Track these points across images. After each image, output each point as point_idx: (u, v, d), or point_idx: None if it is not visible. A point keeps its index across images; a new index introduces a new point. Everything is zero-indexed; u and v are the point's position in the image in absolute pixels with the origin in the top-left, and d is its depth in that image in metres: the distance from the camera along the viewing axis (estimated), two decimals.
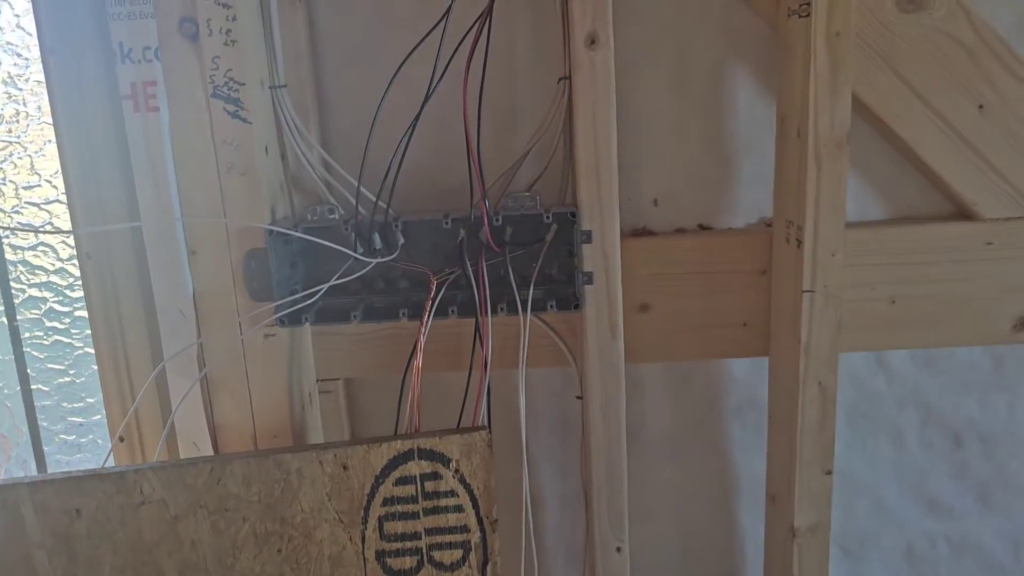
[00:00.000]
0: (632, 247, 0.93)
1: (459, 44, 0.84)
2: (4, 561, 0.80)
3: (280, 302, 0.88)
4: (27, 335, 1.07)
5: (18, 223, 1.06)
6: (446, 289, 0.89)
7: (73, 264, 1.02)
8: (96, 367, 0.94)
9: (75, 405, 1.06)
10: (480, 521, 0.86)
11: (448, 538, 0.85)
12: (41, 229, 1.06)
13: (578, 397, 0.96)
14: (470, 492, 0.86)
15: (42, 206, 1.05)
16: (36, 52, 0.96)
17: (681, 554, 1.13)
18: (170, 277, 0.88)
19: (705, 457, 1.08)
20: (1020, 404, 1.05)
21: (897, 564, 1.12)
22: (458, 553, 0.86)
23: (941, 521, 1.08)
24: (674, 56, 0.96)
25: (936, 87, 0.91)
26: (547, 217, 0.86)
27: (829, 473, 0.93)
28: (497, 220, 0.86)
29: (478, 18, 0.84)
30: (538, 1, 0.93)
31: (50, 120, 0.89)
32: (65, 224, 0.94)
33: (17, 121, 1.04)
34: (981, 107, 0.91)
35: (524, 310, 0.87)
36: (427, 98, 0.84)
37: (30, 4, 0.86)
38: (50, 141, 1.04)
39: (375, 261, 0.88)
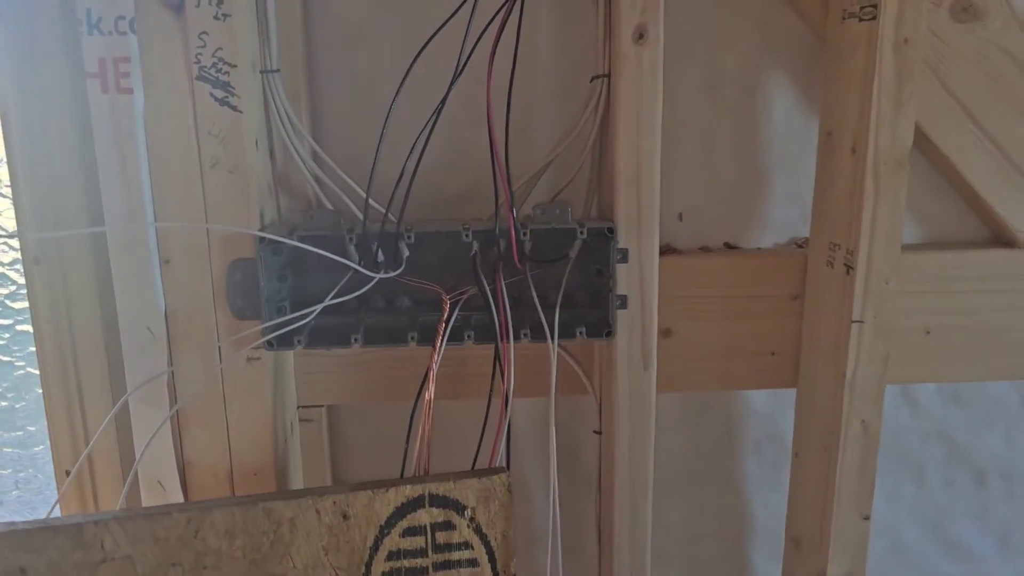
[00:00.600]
0: None
1: (484, 29, 0.73)
2: None
3: (270, 323, 0.75)
4: None
5: None
6: (457, 310, 0.78)
7: (16, 270, 0.87)
8: (40, 390, 0.80)
9: (12, 434, 0.90)
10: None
11: None
12: None
13: (596, 432, 0.87)
14: (486, 544, 0.75)
15: None
16: None
17: None
18: (137, 290, 0.75)
19: (719, 494, 1.00)
20: None
21: None
22: None
23: (960, 564, 1.03)
24: (707, 58, 0.87)
25: (986, 104, 0.85)
26: (581, 232, 0.76)
27: (867, 519, 0.86)
28: (524, 234, 0.76)
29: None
30: None
31: None
32: (9, 223, 0.80)
33: None
34: None
35: (552, 336, 0.77)
36: (451, 86, 0.74)
37: None
38: None
39: (379, 276, 0.77)
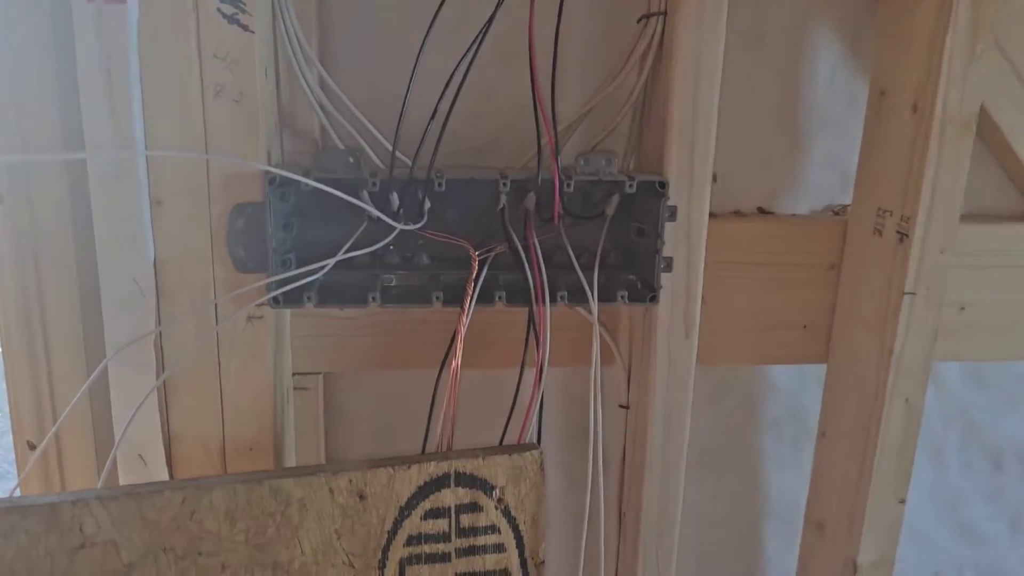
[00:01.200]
0: None
1: None
2: None
3: (277, 277, 0.66)
4: None
5: None
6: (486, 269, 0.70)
7: None
8: None
9: None
10: (523, 564, 0.69)
11: None
12: None
13: (622, 406, 0.80)
14: (514, 528, 0.68)
15: None
16: None
17: None
18: (123, 234, 0.64)
19: (733, 474, 0.95)
20: None
21: None
22: None
23: (972, 547, 1.00)
24: (753, 7, 0.80)
25: None
26: (630, 186, 0.68)
27: (903, 502, 0.81)
28: (568, 186, 0.68)
29: None
30: None
31: None
32: None
33: None
34: None
35: (592, 299, 0.69)
36: (489, 22, 0.65)
37: None
38: None
39: (401, 227, 0.68)
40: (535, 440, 0.70)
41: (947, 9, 0.69)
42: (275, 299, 0.67)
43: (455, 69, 0.66)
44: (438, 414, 0.72)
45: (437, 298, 0.69)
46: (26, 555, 0.58)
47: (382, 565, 0.65)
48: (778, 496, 0.96)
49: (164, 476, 0.70)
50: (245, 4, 0.62)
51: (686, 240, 0.71)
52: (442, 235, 0.70)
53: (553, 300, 0.69)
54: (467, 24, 0.67)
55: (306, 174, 0.65)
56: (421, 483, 0.65)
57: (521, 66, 0.70)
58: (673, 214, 0.70)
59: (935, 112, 0.71)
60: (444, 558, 0.67)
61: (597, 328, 0.69)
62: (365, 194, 0.67)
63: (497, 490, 0.67)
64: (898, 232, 0.76)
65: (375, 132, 0.72)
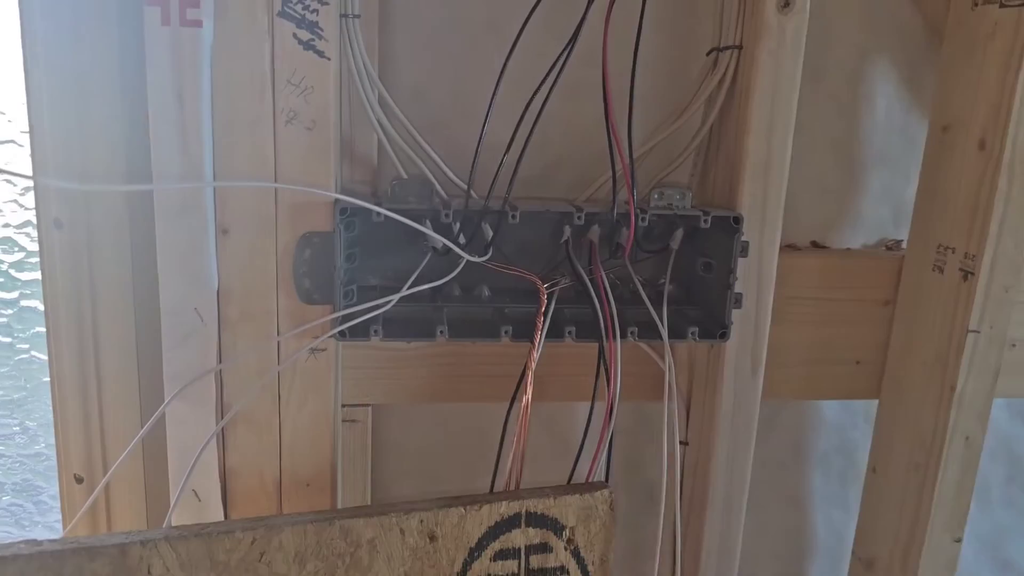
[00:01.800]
0: None
1: None
2: None
3: (347, 311, 0.64)
4: None
5: None
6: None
7: (26, 234, 0.72)
8: (47, 379, 0.66)
9: (8, 429, 0.75)
10: None
11: None
12: None
13: (683, 443, 0.79)
14: (583, 568, 0.66)
15: None
16: None
17: None
18: (187, 264, 0.62)
19: (779, 508, 0.94)
20: None
21: None
22: None
23: None
24: (814, 45, 0.80)
25: None
26: (705, 221, 0.67)
27: (959, 541, 0.80)
28: (643, 220, 0.67)
29: None
30: None
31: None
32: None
33: None
34: None
35: (664, 335, 0.68)
36: (568, 49, 0.64)
37: None
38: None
39: (468, 259, 0.66)
40: (603, 479, 0.68)
41: (1019, 48, 0.69)
42: (342, 332, 0.65)
43: (531, 100, 0.64)
44: (483, 447, 0.70)
45: (506, 332, 0.67)
46: None
47: None
48: (825, 532, 0.95)
49: (218, 512, 0.68)
50: (322, 30, 0.60)
51: (756, 276, 0.70)
52: (510, 268, 0.69)
53: (623, 335, 0.68)
54: (522, 51, 0.65)
55: (377, 203, 0.64)
56: (492, 523, 0.63)
57: (576, 96, 0.69)
58: (745, 249, 0.69)
59: (1007, 148, 0.70)
60: None
61: (670, 365, 0.68)
62: (428, 223, 0.65)
63: (567, 530, 0.65)
64: (961, 269, 0.75)
65: (438, 160, 0.71)
